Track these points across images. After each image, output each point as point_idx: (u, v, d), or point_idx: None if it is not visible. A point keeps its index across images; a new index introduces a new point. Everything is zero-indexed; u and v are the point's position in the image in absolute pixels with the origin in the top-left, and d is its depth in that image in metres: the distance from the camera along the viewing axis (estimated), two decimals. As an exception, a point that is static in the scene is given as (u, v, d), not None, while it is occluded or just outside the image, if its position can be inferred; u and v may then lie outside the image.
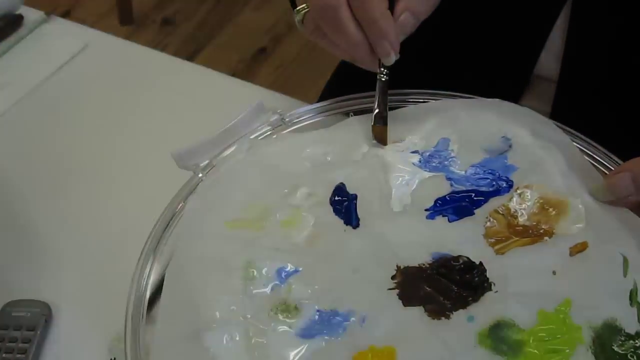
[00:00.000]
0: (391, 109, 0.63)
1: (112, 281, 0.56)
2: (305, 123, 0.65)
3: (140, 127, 0.81)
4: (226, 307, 0.52)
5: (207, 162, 0.61)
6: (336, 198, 0.59)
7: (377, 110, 0.62)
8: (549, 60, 0.75)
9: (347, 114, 0.66)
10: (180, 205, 0.59)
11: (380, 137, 0.61)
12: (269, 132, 0.64)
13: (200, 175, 0.61)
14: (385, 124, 0.61)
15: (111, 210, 0.73)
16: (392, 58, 0.59)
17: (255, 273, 0.54)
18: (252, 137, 0.63)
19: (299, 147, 0.62)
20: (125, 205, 0.73)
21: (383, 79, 0.61)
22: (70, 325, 0.63)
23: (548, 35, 0.73)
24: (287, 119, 0.65)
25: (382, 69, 0.61)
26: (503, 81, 0.74)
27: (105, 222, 0.72)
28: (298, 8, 0.62)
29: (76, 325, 0.63)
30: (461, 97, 0.65)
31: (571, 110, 0.71)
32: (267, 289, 0.53)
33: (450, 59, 0.80)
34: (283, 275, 0.54)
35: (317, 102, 0.67)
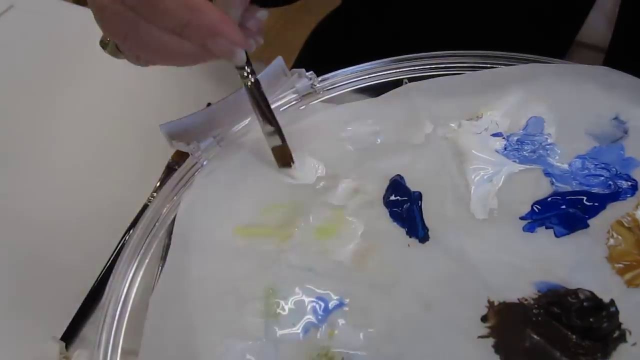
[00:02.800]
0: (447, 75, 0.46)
1: (26, 300, 0.47)
2: (344, 91, 0.48)
3: (81, 95, 0.64)
4: (239, 357, 0.35)
5: (210, 140, 0.44)
6: (393, 197, 0.42)
7: (266, 127, 0.42)
8: (598, 22, 0.59)
9: (399, 81, 0.48)
10: (171, 202, 0.42)
11: (284, 160, 0.43)
12: (294, 102, 0.47)
13: (200, 158, 0.43)
14: (283, 141, 0.43)
15: (48, 202, 0.55)
16: (241, 54, 0.38)
17: (280, 306, 0.37)
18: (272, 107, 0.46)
19: (338, 123, 0.46)
20: (67, 197, 0.55)
21: (249, 83, 0.41)
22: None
23: None
24: (318, 85, 0.48)
25: (244, 67, 0.40)
26: (537, 48, 0.58)
27: (30, 216, 0.54)
28: (102, 41, 0.44)
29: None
30: (547, 61, 0.48)
31: None
32: (299, 331, 0.36)
33: (470, 14, 0.62)
34: (322, 311, 0.37)
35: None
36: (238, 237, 0.40)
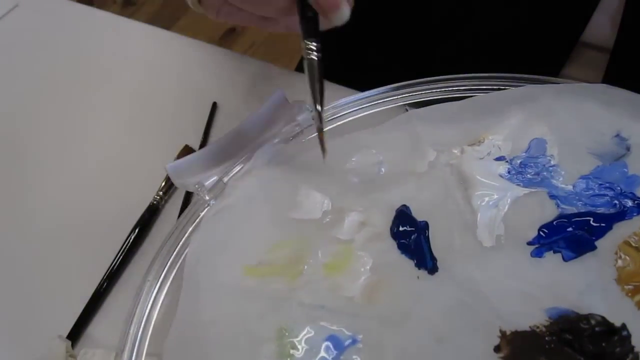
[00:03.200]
0: (450, 99, 0.46)
1: (32, 299, 0.47)
2: (346, 120, 0.48)
3: (87, 95, 0.62)
4: (255, 401, 0.35)
5: (215, 179, 0.44)
6: (400, 228, 0.42)
7: (316, 108, 0.41)
8: (602, 23, 0.58)
9: (401, 108, 0.48)
10: (180, 242, 0.42)
11: (321, 146, 0.42)
12: (296, 134, 0.47)
13: (206, 197, 0.43)
14: (320, 127, 0.41)
15: (54, 202, 0.54)
16: (345, 13, 0.37)
17: (294, 346, 0.37)
18: (274, 143, 0.46)
19: (342, 154, 0.45)
20: (73, 196, 0.54)
21: (314, 56, 0.39)
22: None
23: None
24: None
25: (310, 41, 0.39)
26: (541, 49, 0.58)
27: (36, 216, 0.54)
28: None
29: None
30: (547, 81, 0.49)
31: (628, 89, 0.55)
32: (314, 371, 0.36)
33: (479, 15, 0.62)
34: (335, 349, 0.37)
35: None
36: (247, 278, 0.40)
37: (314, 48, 0.40)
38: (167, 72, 0.62)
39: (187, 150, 0.53)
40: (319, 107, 0.40)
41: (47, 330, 0.45)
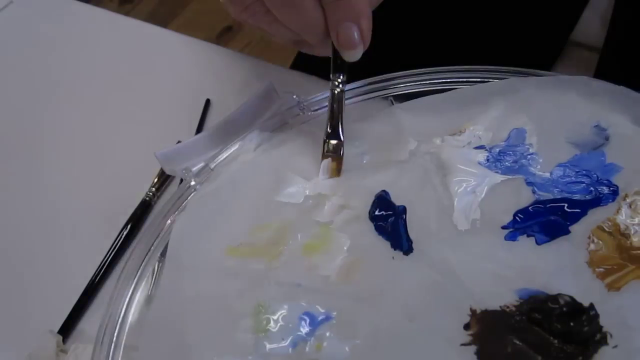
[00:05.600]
0: (434, 92, 0.48)
1: (23, 293, 0.48)
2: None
3: (80, 91, 0.64)
4: (230, 372, 0.36)
5: (202, 165, 0.46)
6: (378, 212, 0.43)
7: (330, 136, 0.45)
8: (592, 22, 0.59)
9: (385, 100, 0.50)
10: (167, 223, 0.43)
11: (337, 169, 0.46)
12: (283, 124, 0.49)
13: (192, 182, 0.45)
14: (340, 154, 0.46)
15: (46, 197, 0.56)
16: (358, 53, 0.41)
17: (269, 321, 0.38)
18: (261, 131, 0.47)
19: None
20: (65, 192, 0.56)
21: (338, 89, 0.45)
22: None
23: None
24: (305, 106, 0.49)
25: (338, 74, 0.44)
26: (530, 48, 0.58)
27: (29, 211, 0.55)
28: None
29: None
30: (530, 73, 0.49)
31: None
32: (288, 345, 0.38)
33: (468, 14, 0.63)
34: (309, 325, 0.38)
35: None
36: (229, 258, 0.42)
37: (340, 81, 0.45)
38: (161, 69, 0.64)
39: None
40: (335, 139, 0.45)
41: (38, 325, 0.46)
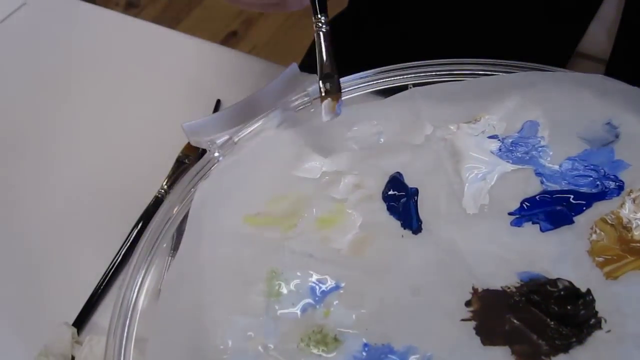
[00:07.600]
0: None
1: (39, 287, 0.50)
2: (352, 95, 0.51)
3: (93, 91, 0.65)
4: (241, 332, 0.39)
5: (226, 138, 0.48)
6: (391, 192, 0.45)
7: (326, 71, 0.46)
8: (599, 33, 0.59)
9: (405, 87, 0.51)
10: (190, 192, 0.46)
11: (333, 108, 0.46)
12: (305, 105, 0.51)
13: (216, 154, 0.47)
14: (339, 90, 0.46)
15: (61, 193, 0.57)
16: None
17: (282, 287, 0.41)
18: (284, 109, 0.50)
19: (344, 123, 0.48)
20: (80, 188, 0.57)
21: (324, 30, 0.46)
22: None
23: (601, 1, 0.58)
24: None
25: (320, 16, 0.46)
26: (537, 59, 0.59)
27: (45, 208, 0.57)
28: None
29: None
30: (547, 69, 0.51)
31: None
32: (297, 310, 0.40)
33: (475, 24, 0.64)
34: (319, 293, 0.41)
35: None
36: (247, 225, 0.44)
37: (324, 22, 0.46)
38: (173, 70, 0.65)
39: (191, 146, 0.56)
40: (331, 72, 0.46)
41: (54, 318, 0.47)
